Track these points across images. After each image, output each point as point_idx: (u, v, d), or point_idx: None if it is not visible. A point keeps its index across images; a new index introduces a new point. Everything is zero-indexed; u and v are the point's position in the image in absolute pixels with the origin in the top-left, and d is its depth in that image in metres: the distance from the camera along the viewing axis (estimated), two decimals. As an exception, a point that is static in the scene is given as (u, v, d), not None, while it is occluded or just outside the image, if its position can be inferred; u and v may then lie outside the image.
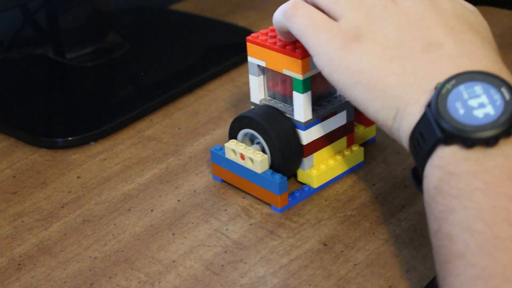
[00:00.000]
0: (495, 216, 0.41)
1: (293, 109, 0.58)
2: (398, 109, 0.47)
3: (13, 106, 0.75)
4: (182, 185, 0.62)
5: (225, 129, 0.69)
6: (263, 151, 0.59)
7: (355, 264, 0.53)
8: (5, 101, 0.76)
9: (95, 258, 0.55)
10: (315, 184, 0.59)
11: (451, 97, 0.44)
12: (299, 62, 0.56)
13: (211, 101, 0.74)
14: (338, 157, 0.61)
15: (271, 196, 0.58)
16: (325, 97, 0.60)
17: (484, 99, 0.44)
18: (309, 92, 0.57)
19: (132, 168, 0.65)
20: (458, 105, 0.44)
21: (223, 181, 0.61)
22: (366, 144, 0.65)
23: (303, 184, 0.60)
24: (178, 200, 0.61)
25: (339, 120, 0.60)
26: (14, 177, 0.65)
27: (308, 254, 0.54)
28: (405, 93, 0.47)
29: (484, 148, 0.43)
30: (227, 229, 0.57)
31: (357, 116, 0.64)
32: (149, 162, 0.66)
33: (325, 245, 0.55)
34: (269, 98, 0.61)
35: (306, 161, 0.59)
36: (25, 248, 0.57)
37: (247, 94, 0.75)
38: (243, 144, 0.59)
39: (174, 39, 0.85)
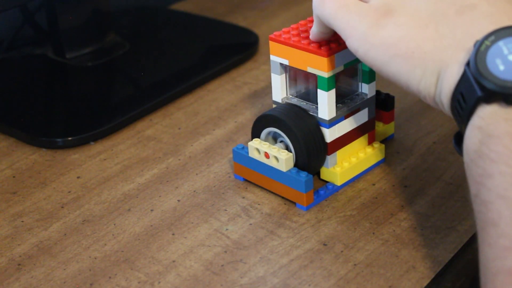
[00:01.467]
0: None
1: (316, 107, 0.58)
2: (439, 73, 0.46)
3: (13, 106, 0.75)
4: (182, 185, 0.62)
5: (225, 129, 0.69)
6: (287, 149, 0.59)
7: (355, 264, 0.53)
8: (5, 101, 0.75)
9: (95, 258, 0.55)
10: (339, 182, 0.60)
11: (491, 53, 0.43)
12: (324, 60, 0.56)
13: (211, 101, 0.74)
14: (361, 155, 0.61)
15: (297, 194, 0.58)
16: (347, 94, 0.60)
17: None
18: (334, 90, 0.57)
19: (132, 168, 0.65)
20: (498, 61, 0.43)
21: (245, 180, 0.61)
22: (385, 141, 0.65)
23: (327, 182, 0.60)
24: (178, 200, 0.61)
25: (361, 117, 0.60)
26: (14, 177, 0.65)
27: (308, 254, 0.54)
28: (444, 55, 0.46)
29: None
30: (227, 229, 0.57)
31: (376, 113, 0.64)
32: (149, 162, 0.66)
33: (325, 245, 0.55)
34: (291, 96, 0.61)
35: (329, 158, 0.59)
36: (25, 248, 0.57)
37: (247, 94, 0.75)
38: (266, 142, 0.59)
39: (174, 39, 0.85)
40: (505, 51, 0.43)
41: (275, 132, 0.60)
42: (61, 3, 0.79)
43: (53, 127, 0.72)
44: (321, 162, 0.59)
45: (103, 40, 0.82)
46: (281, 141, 0.60)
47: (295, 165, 0.59)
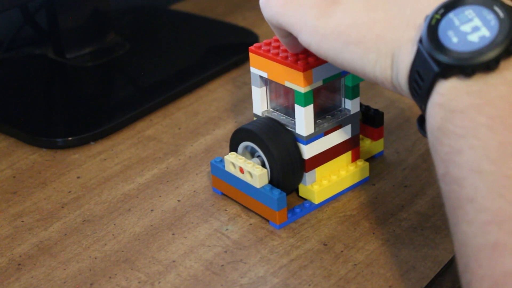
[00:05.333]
0: (504, 153, 0.39)
1: (295, 122, 0.57)
2: (393, 54, 0.45)
3: (13, 106, 0.75)
4: (182, 185, 0.62)
5: (225, 129, 0.69)
6: (263, 165, 0.58)
7: (355, 264, 0.53)
8: (5, 101, 0.75)
9: (95, 258, 0.55)
10: (316, 200, 0.58)
11: (442, 26, 0.42)
12: (300, 74, 0.54)
13: (211, 101, 0.74)
14: (342, 173, 0.59)
15: (270, 211, 0.56)
16: (329, 110, 0.59)
17: (477, 22, 0.41)
18: (311, 106, 0.56)
19: (132, 168, 0.65)
20: (451, 33, 0.41)
21: (223, 194, 0.61)
22: (374, 159, 0.64)
23: (305, 199, 0.59)
24: (178, 200, 0.61)
25: (343, 134, 0.59)
26: (14, 177, 0.65)
27: (308, 254, 0.54)
28: (395, 35, 0.44)
29: (485, 76, 0.40)
30: (227, 229, 0.57)
31: (364, 129, 0.63)
32: (149, 162, 0.66)
33: (325, 245, 0.55)
34: (272, 110, 0.59)
35: (307, 176, 0.58)
36: (25, 248, 0.57)
37: (247, 94, 0.75)
38: (242, 157, 0.58)
39: (174, 39, 0.85)
40: (457, 22, 0.41)
41: (252, 147, 0.58)
42: (61, 3, 0.79)
43: (53, 127, 0.72)
44: (298, 179, 0.58)
45: (103, 40, 0.82)
46: (258, 156, 0.58)
47: (270, 182, 0.57)
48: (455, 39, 0.41)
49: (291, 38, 0.53)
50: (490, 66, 0.40)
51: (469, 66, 0.40)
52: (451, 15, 0.42)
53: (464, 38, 0.41)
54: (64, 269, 0.54)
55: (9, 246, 0.57)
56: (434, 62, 0.41)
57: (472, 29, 0.41)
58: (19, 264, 0.55)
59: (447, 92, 0.41)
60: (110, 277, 0.53)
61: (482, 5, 0.42)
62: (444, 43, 0.41)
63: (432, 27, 0.42)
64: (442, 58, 0.41)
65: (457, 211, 0.40)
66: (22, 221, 0.59)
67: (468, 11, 0.42)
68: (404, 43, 0.44)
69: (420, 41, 0.43)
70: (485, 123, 0.39)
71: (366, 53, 0.46)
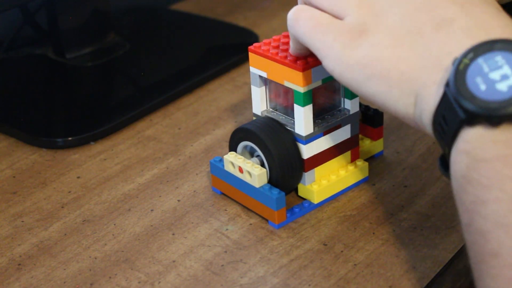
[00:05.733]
0: None
1: (294, 122, 0.57)
2: (417, 94, 0.44)
3: (13, 106, 0.75)
4: (182, 185, 0.62)
5: (225, 129, 0.69)
6: (262, 164, 0.57)
7: (355, 264, 0.53)
8: (5, 101, 0.75)
9: (95, 258, 0.55)
10: (316, 200, 0.58)
11: (470, 72, 0.41)
12: (300, 74, 0.54)
13: (211, 101, 0.74)
14: (341, 172, 0.59)
15: (269, 211, 0.56)
16: (328, 109, 0.59)
17: (506, 69, 0.40)
18: (310, 105, 0.56)
19: (132, 168, 0.65)
20: (479, 80, 0.40)
21: (222, 193, 0.61)
22: (374, 159, 0.63)
23: (304, 199, 0.59)
24: (178, 200, 0.61)
25: (343, 134, 0.59)
26: (14, 177, 0.65)
27: (308, 254, 0.54)
28: (421, 74, 0.44)
29: None
30: (227, 229, 0.57)
31: (363, 129, 0.63)
32: (149, 162, 0.66)
33: (325, 245, 0.55)
34: (271, 109, 0.59)
35: (307, 175, 0.58)
36: (25, 248, 0.57)
37: (247, 94, 0.75)
38: (242, 156, 0.58)
39: (174, 39, 0.85)
40: (486, 69, 0.41)
41: (251, 146, 0.58)
42: (61, 3, 0.78)
43: (53, 127, 0.72)
44: (297, 179, 0.58)
45: (103, 40, 0.82)
46: (257, 156, 0.58)
47: (269, 181, 0.57)
48: (483, 87, 0.40)
49: (305, 51, 0.53)
50: None
51: (496, 116, 0.40)
52: (480, 60, 0.41)
53: (492, 86, 0.40)
54: (64, 269, 0.54)
55: (9, 246, 0.57)
56: (461, 109, 0.41)
57: (501, 77, 0.40)
58: (19, 264, 0.55)
59: (473, 140, 0.40)
60: (110, 277, 0.53)
61: None
62: (472, 90, 0.41)
63: (460, 72, 0.41)
64: (469, 106, 0.40)
65: (481, 265, 0.40)
66: (22, 221, 0.59)
67: (498, 57, 0.41)
68: (429, 84, 0.43)
69: (447, 84, 0.42)
70: (511, 175, 0.39)
71: (389, 88, 0.46)
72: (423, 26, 0.45)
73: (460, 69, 0.41)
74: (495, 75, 0.40)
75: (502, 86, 0.40)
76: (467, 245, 0.41)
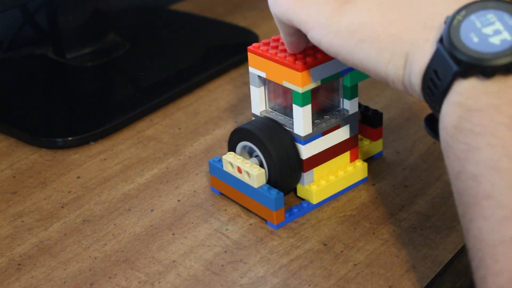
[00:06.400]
0: None
1: (293, 122, 0.57)
2: (408, 53, 0.45)
3: (13, 106, 0.75)
4: (182, 185, 0.62)
5: (225, 129, 0.69)
6: (261, 165, 0.57)
7: (355, 264, 0.53)
8: (5, 101, 0.76)
9: (95, 258, 0.55)
10: (314, 200, 0.58)
11: (463, 28, 0.42)
12: (298, 74, 0.54)
13: (211, 101, 0.74)
14: (340, 173, 0.59)
15: (267, 211, 0.56)
16: (327, 110, 0.59)
17: (498, 25, 0.42)
18: (309, 106, 0.56)
19: (132, 168, 0.65)
20: (472, 35, 0.42)
21: (221, 193, 0.61)
22: (373, 159, 0.64)
23: (303, 199, 0.59)
24: (178, 200, 0.61)
25: (342, 134, 0.59)
26: (14, 177, 0.65)
27: (308, 254, 0.54)
28: (412, 35, 0.44)
29: (504, 77, 0.40)
30: (227, 229, 0.57)
31: (363, 130, 0.63)
32: (149, 162, 0.66)
33: (325, 245, 0.55)
34: (270, 110, 0.59)
35: (305, 176, 0.58)
36: (25, 248, 0.57)
37: (247, 94, 0.75)
38: (240, 157, 0.58)
39: (174, 39, 0.85)
40: (478, 25, 0.42)
41: (250, 147, 0.58)
42: (61, 3, 0.79)
43: (53, 127, 0.72)
44: (295, 179, 0.58)
45: (103, 40, 0.82)
46: (256, 156, 0.58)
47: (268, 182, 0.57)
48: (476, 40, 0.42)
49: (296, 36, 0.53)
50: (510, 69, 0.40)
51: (490, 67, 0.41)
52: (473, 17, 0.42)
53: (485, 40, 0.41)
54: (64, 269, 0.54)
55: (9, 246, 0.57)
56: (455, 61, 0.42)
57: (493, 32, 0.42)
58: (19, 264, 0.55)
59: (466, 91, 0.41)
60: (110, 277, 0.53)
61: (504, 10, 0.42)
62: (466, 43, 0.42)
63: (454, 27, 0.42)
64: (463, 57, 0.41)
65: (473, 207, 0.40)
66: (22, 221, 0.59)
67: (490, 15, 0.42)
68: (421, 43, 0.44)
69: (441, 40, 0.43)
70: (504, 122, 0.40)
71: (380, 52, 0.46)
72: None
73: (453, 25, 0.42)
74: (487, 30, 0.42)
75: (495, 40, 0.41)
76: (456, 193, 0.42)
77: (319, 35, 0.48)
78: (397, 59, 0.45)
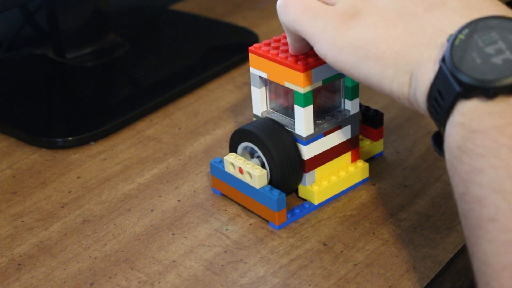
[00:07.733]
0: None
1: (294, 122, 0.57)
2: (412, 71, 0.45)
3: (13, 106, 0.75)
4: (182, 185, 0.62)
5: (225, 129, 0.69)
6: (263, 165, 0.57)
7: (355, 264, 0.53)
8: (5, 101, 0.76)
9: (95, 258, 0.55)
10: (316, 201, 0.58)
11: (466, 47, 0.42)
12: (300, 74, 0.54)
13: (211, 101, 0.74)
14: (342, 173, 0.59)
15: (269, 212, 0.56)
16: (329, 110, 0.59)
17: (501, 44, 0.41)
18: (311, 106, 0.55)
19: (132, 168, 0.65)
20: (474, 54, 0.41)
21: (222, 194, 0.61)
22: (374, 159, 0.64)
23: (304, 200, 0.59)
24: (178, 200, 0.61)
25: (343, 134, 0.59)
26: (14, 177, 0.65)
27: (308, 254, 0.54)
28: (416, 52, 0.45)
29: (507, 98, 0.40)
30: (227, 229, 0.57)
31: (363, 130, 0.63)
32: (149, 162, 0.66)
33: (325, 245, 0.55)
34: (271, 110, 0.59)
35: (307, 176, 0.58)
36: (25, 248, 0.57)
37: (247, 94, 0.75)
38: (242, 157, 0.58)
39: (174, 39, 0.85)
40: (481, 44, 0.42)
41: (251, 148, 0.58)
42: (61, 3, 0.79)
43: (53, 127, 0.72)
44: (297, 179, 0.58)
45: (103, 40, 0.82)
46: (258, 157, 0.58)
47: (270, 182, 0.57)
48: (478, 60, 0.41)
49: (302, 43, 0.53)
50: None
51: (492, 88, 0.40)
52: (475, 36, 0.42)
53: (487, 60, 0.41)
54: (64, 269, 0.54)
55: (9, 246, 0.57)
56: (457, 82, 0.41)
57: (496, 52, 0.41)
58: (19, 264, 0.55)
59: (469, 112, 0.41)
60: (110, 277, 0.53)
61: (507, 28, 0.42)
62: (468, 63, 0.41)
63: (456, 47, 0.42)
64: (464, 78, 0.41)
65: (477, 230, 0.40)
66: (22, 221, 0.59)
67: (493, 33, 0.42)
68: (424, 61, 0.44)
69: (443, 60, 0.43)
70: (507, 143, 0.39)
71: (384, 69, 0.46)
72: (415, 8, 0.46)
73: (455, 44, 0.42)
74: (490, 50, 0.41)
75: (497, 60, 0.41)
76: (461, 214, 0.42)
77: (325, 50, 0.48)
78: (401, 76, 0.45)
